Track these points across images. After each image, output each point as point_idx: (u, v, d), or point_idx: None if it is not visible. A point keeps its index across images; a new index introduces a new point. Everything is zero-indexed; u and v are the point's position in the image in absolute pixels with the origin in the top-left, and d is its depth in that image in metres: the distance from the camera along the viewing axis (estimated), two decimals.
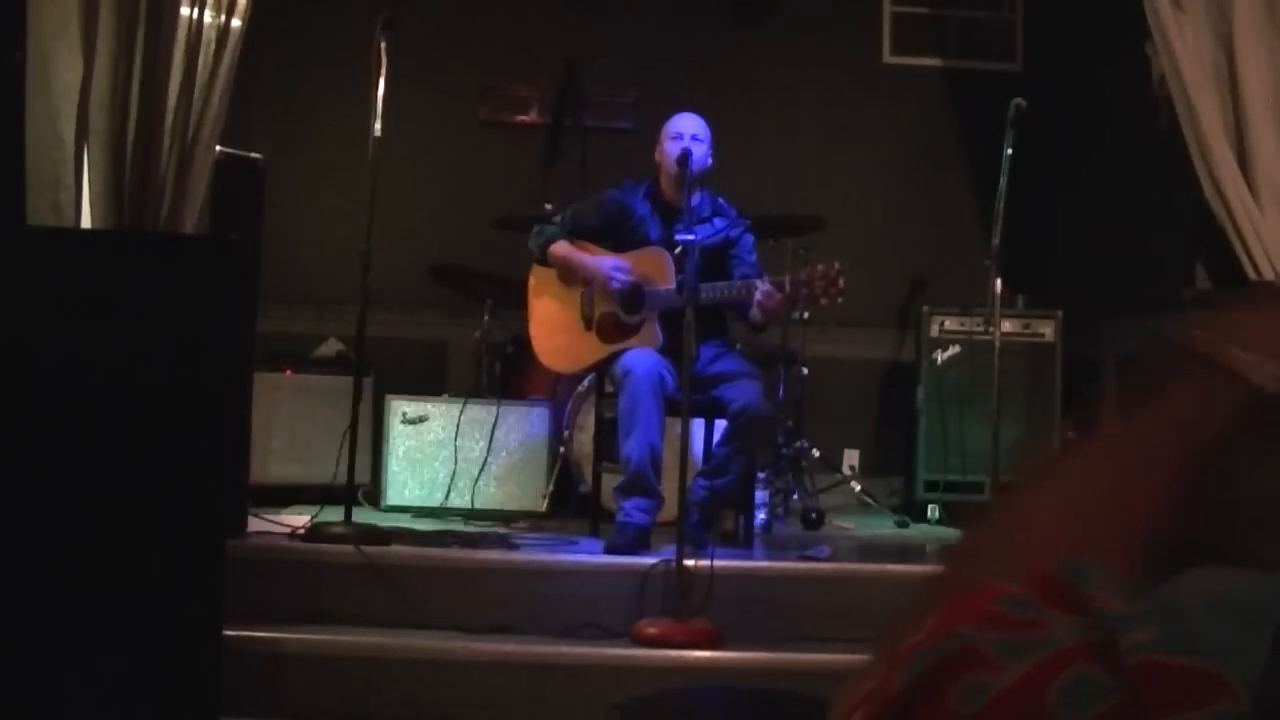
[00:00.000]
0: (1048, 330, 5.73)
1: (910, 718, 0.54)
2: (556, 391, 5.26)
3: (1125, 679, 0.49)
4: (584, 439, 4.98)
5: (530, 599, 3.78)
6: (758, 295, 4.10)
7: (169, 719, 3.04)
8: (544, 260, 4.48)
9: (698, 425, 4.56)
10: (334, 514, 4.07)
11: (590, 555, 4.02)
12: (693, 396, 3.92)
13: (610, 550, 4.03)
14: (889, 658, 0.58)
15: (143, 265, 3.21)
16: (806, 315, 5.66)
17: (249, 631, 3.42)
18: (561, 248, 4.43)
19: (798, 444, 5.46)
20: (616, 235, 4.49)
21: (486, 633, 3.64)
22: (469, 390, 5.39)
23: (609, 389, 4.44)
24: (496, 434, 5.01)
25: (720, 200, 4.53)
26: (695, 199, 4.41)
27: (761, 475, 4.86)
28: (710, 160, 4.41)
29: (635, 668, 3.49)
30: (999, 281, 4.32)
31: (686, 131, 4.36)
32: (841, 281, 4.04)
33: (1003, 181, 4.27)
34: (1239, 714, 0.48)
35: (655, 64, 6.42)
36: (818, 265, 4.14)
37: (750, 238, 4.52)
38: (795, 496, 5.37)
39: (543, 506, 5.01)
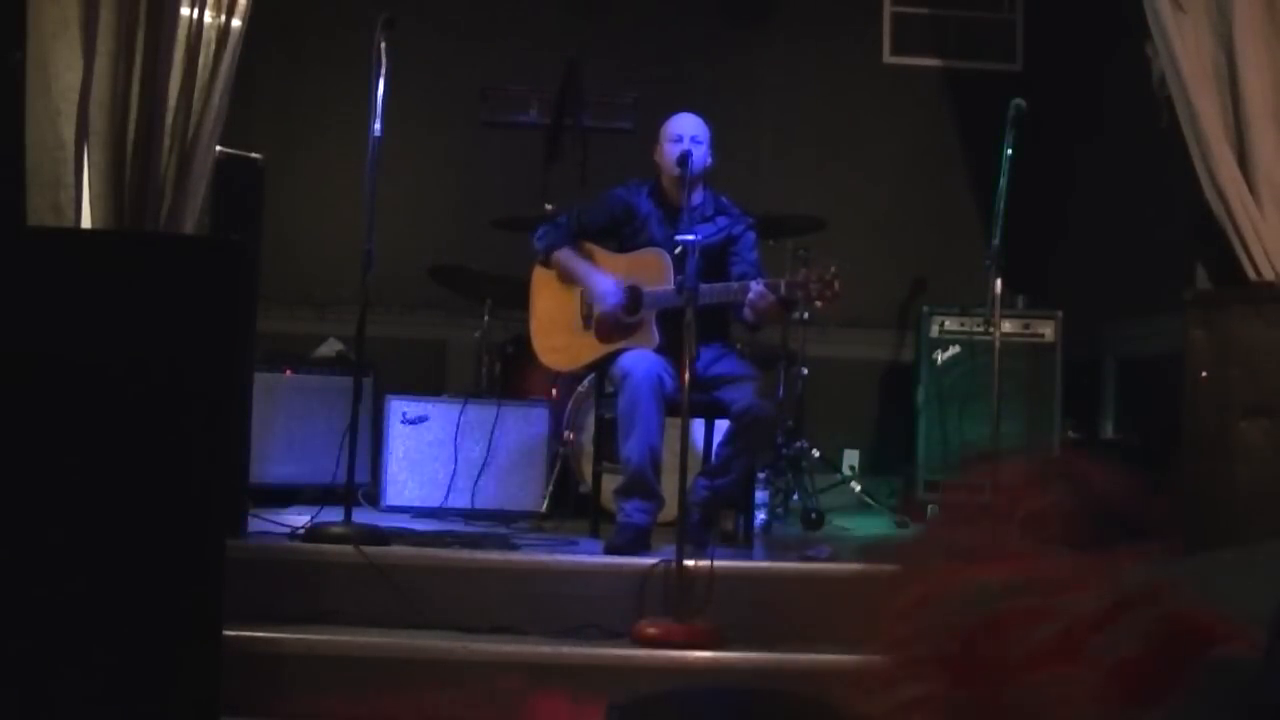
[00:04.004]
0: (1048, 330, 5.73)
1: (974, 653, 0.59)
2: (556, 392, 5.26)
3: (1154, 627, 0.53)
4: (584, 439, 4.98)
5: (530, 599, 3.78)
6: (751, 295, 4.10)
7: (169, 719, 3.04)
8: (546, 263, 4.52)
9: (698, 425, 4.56)
10: (334, 514, 4.07)
11: (590, 555, 4.02)
12: (692, 397, 3.92)
13: (610, 550, 4.03)
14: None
15: (143, 265, 3.21)
16: (806, 315, 5.66)
17: (249, 631, 3.42)
18: (563, 255, 4.46)
19: (798, 444, 5.45)
20: (621, 234, 4.50)
21: (486, 633, 3.64)
22: (469, 390, 5.39)
23: (609, 389, 4.44)
24: (496, 434, 5.01)
25: (723, 199, 4.53)
26: (698, 198, 4.41)
27: (761, 475, 4.86)
28: (710, 159, 4.41)
29: (635, 668, 3.49)
30: (999, 281, 4.32)
31: (685, 133, 4.36)
32: (837, 285, 4.04)
33: (1003, 181, 4.27)
34: (1252, 650, 0.52)
35: (655, 64, 6.42)
36: (813, 268, 4.15)
37: (752, 235, 4.51)
38: (795, 496, 5.37)
39: (542, 507, 5.01)
